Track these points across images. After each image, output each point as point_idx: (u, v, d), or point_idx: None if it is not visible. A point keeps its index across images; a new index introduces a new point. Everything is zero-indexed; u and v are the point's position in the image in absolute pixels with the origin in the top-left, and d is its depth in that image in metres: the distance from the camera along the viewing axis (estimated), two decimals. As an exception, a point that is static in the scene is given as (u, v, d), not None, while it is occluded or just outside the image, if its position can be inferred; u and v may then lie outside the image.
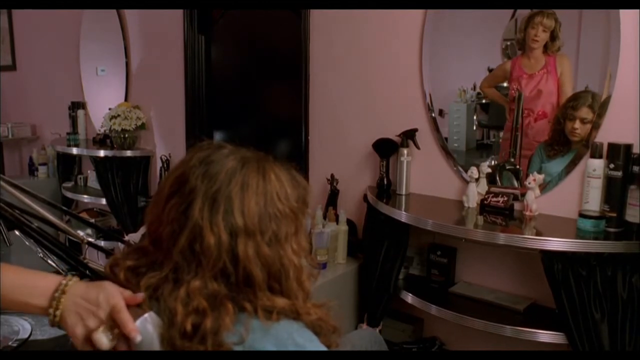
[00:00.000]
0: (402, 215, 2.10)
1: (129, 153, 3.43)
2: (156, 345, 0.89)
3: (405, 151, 2.32)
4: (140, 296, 0.91)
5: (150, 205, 0.99)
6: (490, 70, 2.21)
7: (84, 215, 3.71)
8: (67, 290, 0.92)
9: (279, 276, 0.92)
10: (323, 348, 0.95)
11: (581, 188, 1.95)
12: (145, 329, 0.90)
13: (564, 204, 2.01)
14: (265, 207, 0.92)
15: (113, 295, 0.91)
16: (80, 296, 0.92)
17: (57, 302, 0.91)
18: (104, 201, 3.50)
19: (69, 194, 3.75)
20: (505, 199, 2.08)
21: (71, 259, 1.75)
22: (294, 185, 0.97)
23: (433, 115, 2.33)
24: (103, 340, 0.89)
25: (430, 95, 2.33)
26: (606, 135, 1.91)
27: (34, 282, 0.93)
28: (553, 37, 2.02)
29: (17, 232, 1.72)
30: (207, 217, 0.89)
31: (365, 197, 2.42)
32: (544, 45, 2.04)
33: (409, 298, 2.22)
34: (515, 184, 2.19)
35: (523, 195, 2.06)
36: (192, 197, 0.91)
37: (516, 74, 2.11)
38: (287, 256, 0.93)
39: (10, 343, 2.65)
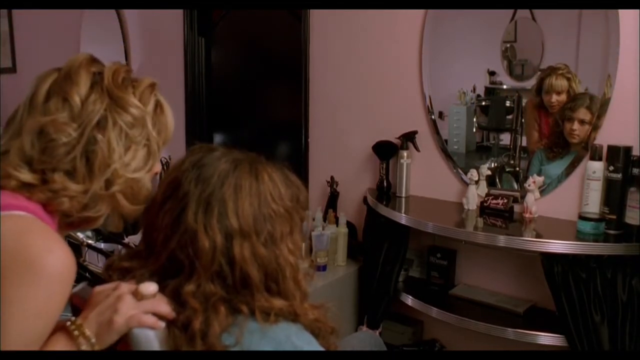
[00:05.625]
0: (402, 218, 2.10)
1: (129, 155, 3.43)
2: (155, 345, 0.90)
3: (405, 153, 2.32)
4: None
5: (146, 209, 1.00)
6: (490, 73, 2.21)
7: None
8: (77, 322, 0.90)
9: (275, 276, 0.93)
10: (322, 350, 0.95)
11: (581, 190, 1.95)
12: (144, 332, 0.90)
13: (563, 206, 2.01)
14: (260, 207, 0.92)
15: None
16: (90, 310, 0.91)
17: (81, 332, 0.89)
18: (104, 203, 3.49)
19: (69, 197, 3.75)
20: (505, 201, 2.08)
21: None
22: (288, 184, 0.97)
23: (433, 117, 2.33)
24: (149, 289, 0.90)
25: (430, 97, 2.33)
26: (606, 137, 1.91)
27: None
28: (574, 97, 1.97)
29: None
30: (202, 220, 0.89)
31: (365, 200, 2.42)
32: None
33: (409, 300, 2.21)
34: (515, 186, 2.19)
35: (523, 197, 2.06)
36: (185, 202, 0.91)
37: (543, 133, 2.09)
38: (283, 256, 0.93)
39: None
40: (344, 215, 2.45)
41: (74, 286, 1.03)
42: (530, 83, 2.11)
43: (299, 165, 2.71)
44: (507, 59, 2.16)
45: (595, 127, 1.93)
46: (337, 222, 2.44)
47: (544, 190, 2.05)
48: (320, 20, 2.63)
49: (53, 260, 0.84)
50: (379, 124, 2.48)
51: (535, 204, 2.01)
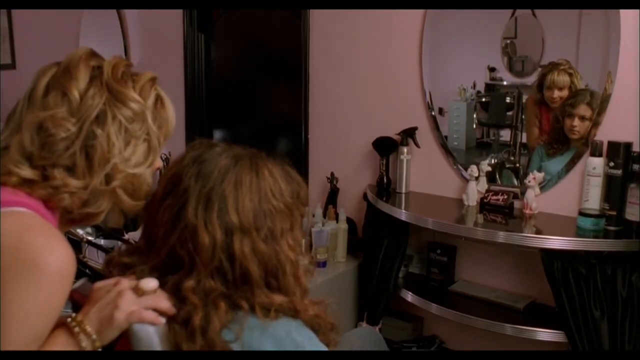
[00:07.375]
0: (402, 214, 2.10)
1: (129, 152, 3.42)
2: (156, 345, 0.90)
3: (405, 149, 2.31)
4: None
5: (146, 205, 0.99)
6: (490, 69, 2.21)
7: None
8: (77, 318, 0.90)
9: (275, 272, 0.92)
10: (322, 346, 0.95)
11: (581, 186, 1.95)
12: (144, 328, 0.90)
13: (563, 202, 2.01)
14: (260, 203, 0.92)
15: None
16: (90, 306, 0.91)
17: (82, 329, 0.88)
18: (104, 200, 3.48)
19: (69, 193, 3.74)
20: (505, 197, 2.08)
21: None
22: (288, 180, 0.97)
23: (433, 113, 2.33)
24: (149, 284, 0.90)
25: (430, 93, 2.32)
26: (606, 133, 1.91)
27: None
28: (574, 94, 1.97)
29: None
30: (202, 216, 0.89)
31: (365, 196, 2.42)
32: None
33: (409, 296, 2.21)
34: (515, 182, 2.19)
35: (523, 193, 2.06)
36: (186, 197, 0.91)
37: (543, 130, 2.09)
38: (283, 252, 0.93)
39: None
40: (343, 211, 2.45)
41: (74, 282, 1.04)
42: (531, 79, 2.11)
43: (299, 161, 2.71)
44: (507, 55, 2.16)
45: (595, 124, 1.93)
46: (337, 219, 2.44)
47: (544, 186, 2.05)
48: (320, 17, 2.63)
49: (53, 259, 0.84)
50: (378, 120, 2.47)
51: (535, 200, 2.01)
